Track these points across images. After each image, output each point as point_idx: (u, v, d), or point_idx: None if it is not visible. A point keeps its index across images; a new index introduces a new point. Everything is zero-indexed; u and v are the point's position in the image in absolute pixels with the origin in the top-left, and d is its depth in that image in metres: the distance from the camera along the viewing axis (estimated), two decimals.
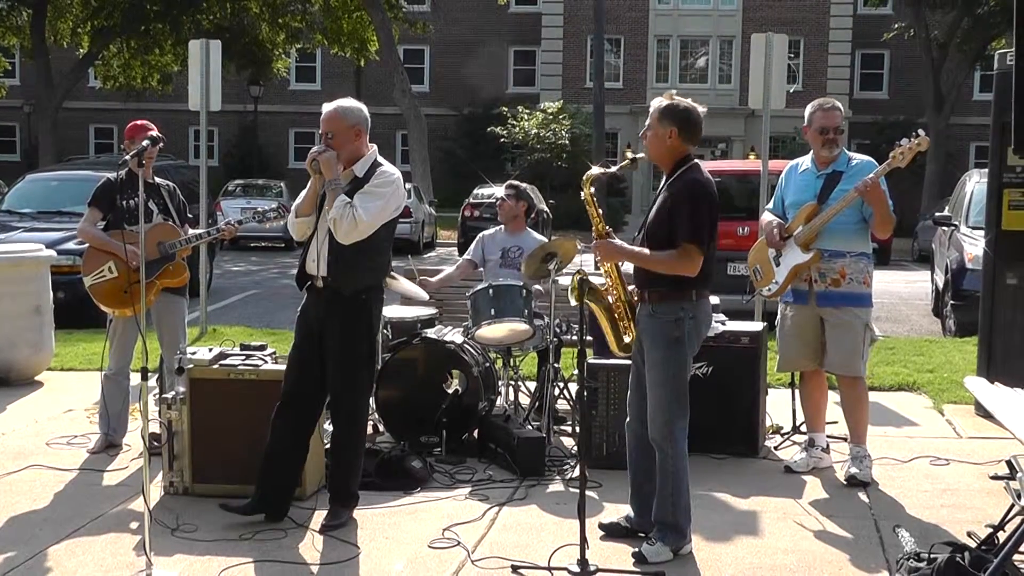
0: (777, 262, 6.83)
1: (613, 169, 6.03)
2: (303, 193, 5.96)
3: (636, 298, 5.65)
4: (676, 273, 5.35)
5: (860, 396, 6.83)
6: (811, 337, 6.81)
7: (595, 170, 5.84)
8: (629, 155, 5.75)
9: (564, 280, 7.34)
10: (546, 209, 22.39)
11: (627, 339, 5.70)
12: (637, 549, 5.41)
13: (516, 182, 8.68)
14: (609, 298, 5.78)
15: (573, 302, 5.52)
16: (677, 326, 5.39)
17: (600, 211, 5.76)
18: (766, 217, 7.04)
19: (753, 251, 7.08)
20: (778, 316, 7.03)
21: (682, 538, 5.45)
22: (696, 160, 5.53)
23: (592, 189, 5.78)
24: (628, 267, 5.79)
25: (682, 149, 5.46)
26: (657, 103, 5.50)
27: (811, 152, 6.94)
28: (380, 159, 5.95)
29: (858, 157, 6.90)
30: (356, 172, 5.86)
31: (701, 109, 5.51)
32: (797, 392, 7.33)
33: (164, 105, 37.12)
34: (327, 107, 5.87)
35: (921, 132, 6.51)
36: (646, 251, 5.46)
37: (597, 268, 6.02)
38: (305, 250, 5.96)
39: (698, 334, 5.51)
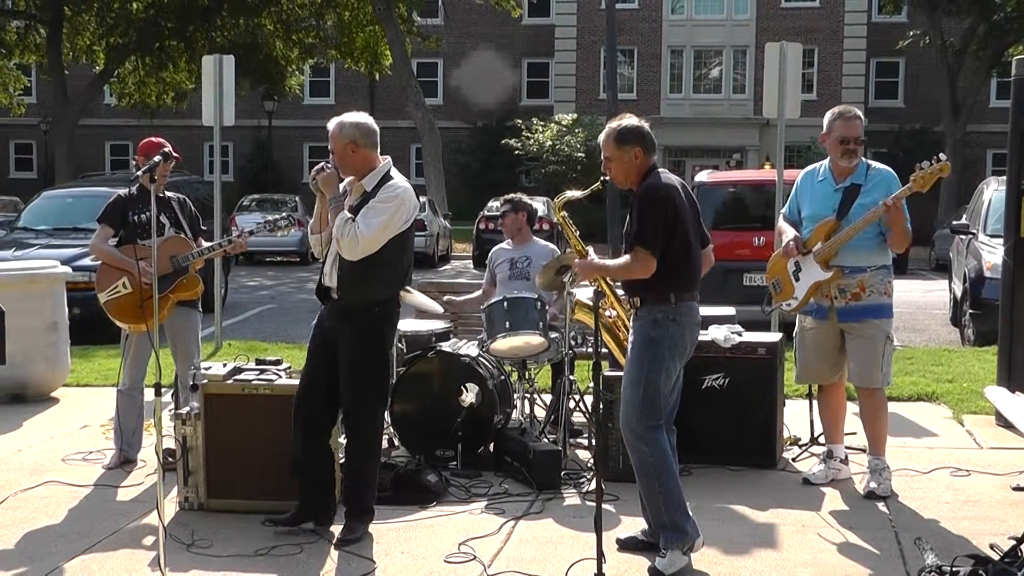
0: (796, 277, 6.74)
1: (579, 194, 6.05)
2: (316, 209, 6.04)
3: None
4: (632, 277, 5.48)
5: (879, 407, 6.76)
6: (830, 350, 6.75)
7: (568, 194, 6.04)
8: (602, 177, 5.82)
9: (579, 292, 7.32)
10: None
11: None
12: (651, 564, 5.37)
13: (510, 196, 8.73)
14: (608, 313, 5.82)
15: (580, 317, 5.59)
16: (654, 327, 5.44)
17: (576, 232, 5.94)
18: (784, 227, 6.95)
19: (771, 263, 7.02)
20: (796, 327, 6.97)
21: (684, 535, 5.38)
22: (659, 169, 5.57)
23: (564, 213, 5.98)
24: None
25: (647, 163, 5.52)
26: (608, 132, 5.55)
27: (828, 159, 6.87)
28: (392, 172, 5.92)
29: (877, 167, 6.76)
30: (365, 186, 5.86)
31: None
32: (815, 403, 7.28)
33: (179, 121, 37.24)
34: (329, 124, 5.90)
35: (943, 156, 6.43)
36: (610, 261, 5.67)
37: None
38: (323, 264, 6.00)
39: (682, 337, 5.50)
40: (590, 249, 5.95)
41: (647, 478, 5.44)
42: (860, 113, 6.81)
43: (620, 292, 6.20)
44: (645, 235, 5.36)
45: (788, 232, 6.87)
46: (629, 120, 5.54)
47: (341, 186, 5.87)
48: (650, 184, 5.45)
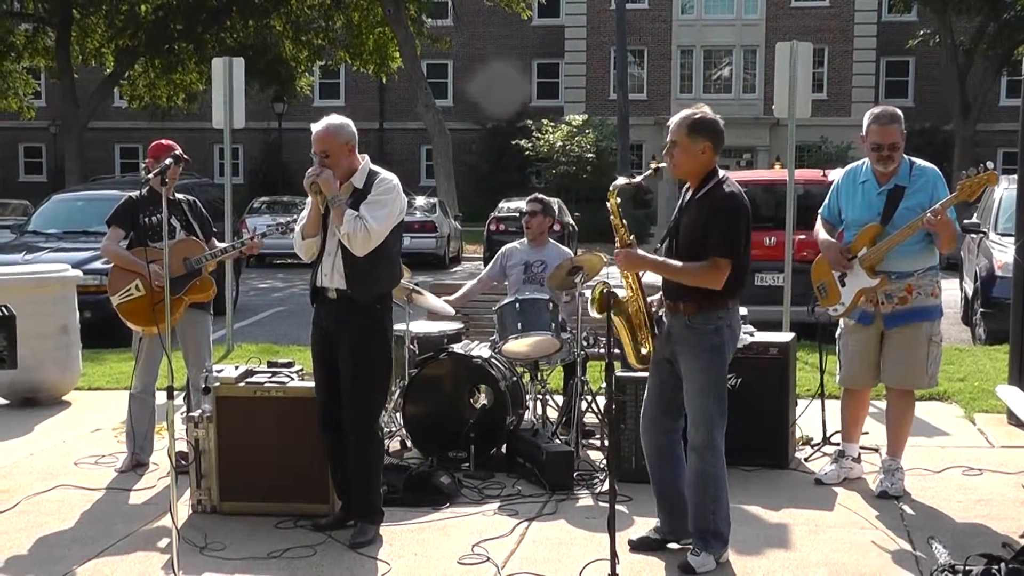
0: (842, 282, 6.62)
1: (639, 179, 5.92)
2: (304, 214, 6.04)
3: (662, 308, 5.63)
4: (699, 285, 5.36)
5: (908, 409, 6.72)
6: (874, 355, 6.65)
7: (621, 180, 5.80)
8: (653, 165, 5.74)
9: (589, 291, 7.31)
10: (572, 222, 22.47)
11: (644, 350, 5.67)
12: (684, 560, 5.38)
13: (541, 196, 8.60)
14: (629, 309, 5.76)
15: (594, 314, 5.52)
16: (717, 334, 5.40)
17: (624, 222, 5.70)
18: (823, 235, 6.78)
19: (816, 266, 6.87)
20: (840, 330, 6.88)
21: (725, 545, 5.44)
22: (720, 171, 5.51)
23: (619, 200, 5.71)
24: (649, 278, 5.77)
25: (712, 162, 5.46)
26: (683, 117, 5.45)
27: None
28: (375, 168, 6.01)
29: (920, 166, 6.57)
30: (355, 184, 5.93)
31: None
32: (827, 403, 7.24)
33: (189, 123, 37.32)
34: (317, 127, 5.93)
35: (990, 164, 6.32)
36: (673, 262, 5.45)
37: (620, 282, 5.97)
38: (316, 267, 6.02)
39: (733, 342, 5.53)
40: (632, 239, 5.67)
41: (704, 487, 5.41)
42: (898, 113, 6.59)
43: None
44: (728, 245, 5.32)
45: (826, 238, 6.74)
46: (708, 114, 5.45)
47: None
48: (731, 193, 5.40)
